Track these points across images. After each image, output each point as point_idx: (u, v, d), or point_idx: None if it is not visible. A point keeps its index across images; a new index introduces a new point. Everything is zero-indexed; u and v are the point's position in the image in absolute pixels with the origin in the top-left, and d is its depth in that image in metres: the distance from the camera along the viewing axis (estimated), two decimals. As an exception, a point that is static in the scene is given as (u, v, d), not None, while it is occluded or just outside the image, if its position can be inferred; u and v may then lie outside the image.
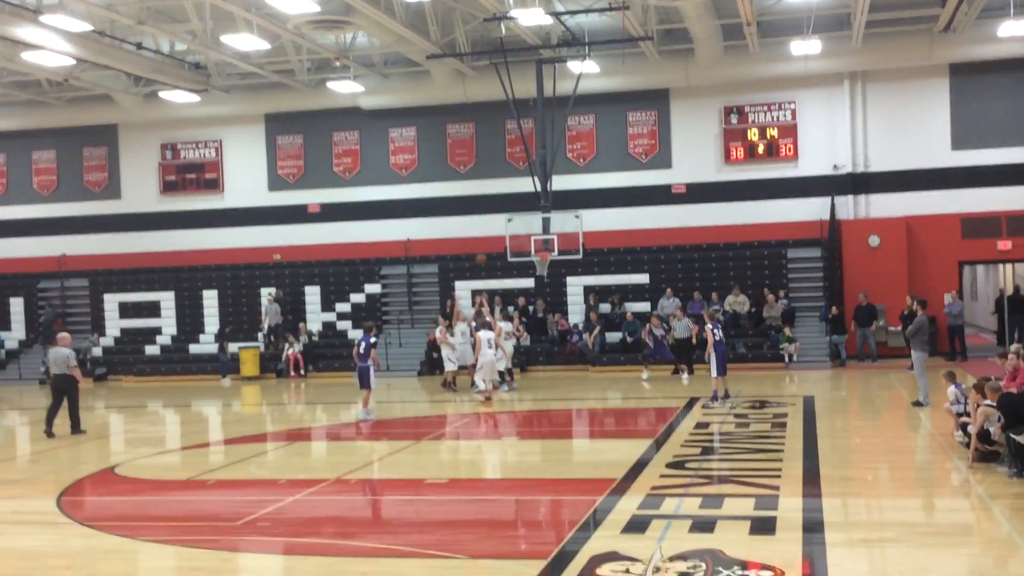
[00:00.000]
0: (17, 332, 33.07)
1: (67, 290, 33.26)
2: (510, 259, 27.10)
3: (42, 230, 33.49)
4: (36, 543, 10.71)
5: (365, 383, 19.00)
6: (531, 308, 29.77)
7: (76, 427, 18.54)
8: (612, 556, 8.98)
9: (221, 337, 30.39)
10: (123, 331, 32.60)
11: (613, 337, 28.38)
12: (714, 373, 19.41)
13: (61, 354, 18.64)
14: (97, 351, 31.73)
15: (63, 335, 19.32)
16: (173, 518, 11.91)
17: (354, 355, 19.67)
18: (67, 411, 18.49)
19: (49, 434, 18.16)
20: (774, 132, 29.31)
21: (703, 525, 10.04)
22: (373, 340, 19.82)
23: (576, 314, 29.81)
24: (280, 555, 10.08)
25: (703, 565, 8.58)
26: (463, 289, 30.82)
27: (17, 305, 33.33)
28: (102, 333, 32.45)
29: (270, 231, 32.21)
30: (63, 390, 18.49)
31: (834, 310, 27.05)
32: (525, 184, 28.12)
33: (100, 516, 11.66)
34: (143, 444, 18.38)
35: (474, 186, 30.93)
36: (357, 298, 31.32)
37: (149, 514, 12.04)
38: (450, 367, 24.07)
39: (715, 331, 19.46)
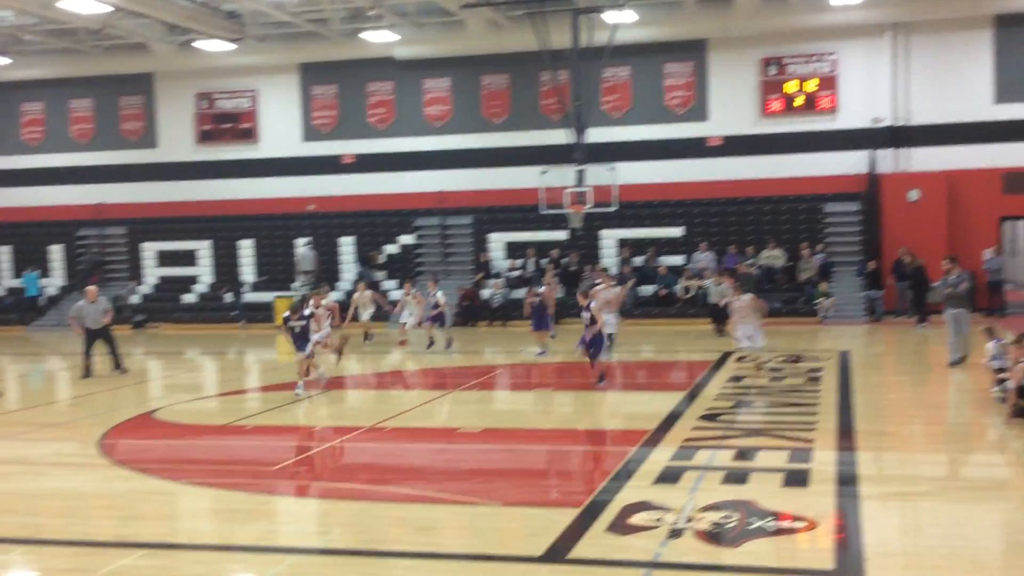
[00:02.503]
0: (57, 279, 33.48)
1: (105, 238, 33.58)
2: (544, 211, 27.04)
3: (80, 178, 33.76)
4: (78, 484, 10.92)
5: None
6: (564, 261, 29.72)
7: (119, 366, 19.36)
8: (645, 506, 9.03)
9: (235, 285, 30.84)
10: (161, 279, 32.93)
11: (647, 290, 28.32)
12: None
13: (96, 309, 19.19)
14: (135, 298, 32.09)
15: (91, 289, 19.65)
16: (211, 462, 12.11)
17: (527, 305, 22.03)
18: (107, 355, 19.30)
19: (87, 376, 18.79)
20: (813, 84, 28.88)
21: (736, 477, 10.07)
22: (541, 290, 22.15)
23: (610, 267, 29.71)
24: (315, 499, 10.23)
25: (736, 516, 8.62)
26: (497, 242, 30.84)
27: (57, 252, 33.71)
28: (140, 281, 32.80)
29: (304, 181, 32.27)
30: (98, 337, 19.18)
31: (871, 265, 26.80)
32: (559, 136, 27.95)
33: (140, 459, 11.86)
34: (181, 390, 18.63)
35: (508, 138, 30.78)
36: (391, 249, 31.40)
37: (187, 458, 12.24)
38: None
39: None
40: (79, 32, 30.67)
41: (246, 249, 32.38)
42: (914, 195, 27.62)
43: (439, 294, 22.96)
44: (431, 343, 22.65)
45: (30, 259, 33.43)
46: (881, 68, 28.30)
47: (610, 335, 19.14)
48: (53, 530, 9.17)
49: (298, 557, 8.17)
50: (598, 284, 22.12)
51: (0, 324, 31.55)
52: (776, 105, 29.14)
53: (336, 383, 18.20)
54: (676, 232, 29.65)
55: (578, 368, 19.75)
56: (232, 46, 30.07)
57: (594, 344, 16.41)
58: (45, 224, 33.84)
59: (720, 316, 23.71)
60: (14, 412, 16.03)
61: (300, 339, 16.63)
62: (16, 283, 33.21)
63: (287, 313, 16.73)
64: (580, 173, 26.55)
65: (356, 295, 24.67)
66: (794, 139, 28.93)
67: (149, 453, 12.46)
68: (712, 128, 29.69)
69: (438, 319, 22.78)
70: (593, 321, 16.27)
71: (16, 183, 34.08)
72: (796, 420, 13.04)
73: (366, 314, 24.11)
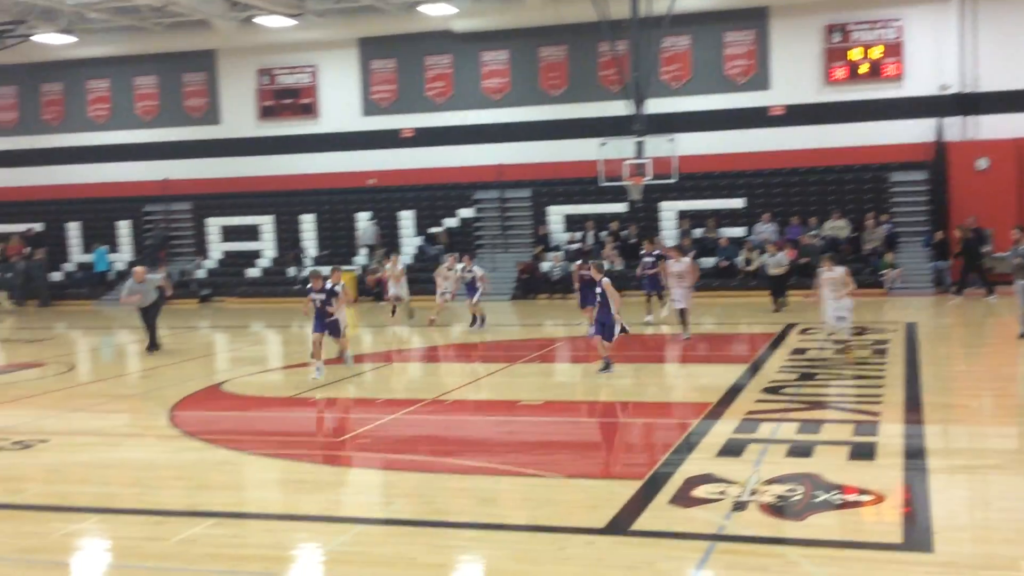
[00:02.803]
0: (125, 254, 34.14)
1: (171, 214, 34.16)
2: (603, 184, 26.91)
3: (146, 155, 34.30)
4: (150, 455, 11.18)
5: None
6: (624, 233, 29.59)
7: (153, 344, 19.45)
8: (708, 478, 9.01)
9: (295, 259, 31.18)
10: (225, 254, 33.43)
11: (707, 262, 28.09)
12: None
13: (143, 288, 19.28)
14: (201, 273, 32.63)
15: (137, 269, 19.81)
16: (278, 433, 12.32)
17: (575, 278, 20.62)
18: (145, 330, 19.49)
19: (153, 349, 19.21)
20: (878, 51, 28.30)
21: (800, 450, 9.99)
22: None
23: (669, 239, 29.52)
24: (380, 470, 10.36)
25: (801, 489, 8.56)
26: (556, 214, 30.79)
27: (124, 228, 34.37)
28: (205, 255, 33.33)
29: (364, 156, 32.45)
30: (148, 310, 19.40)
31: (939, 235, 26.28)
32: (618, 108, 27.76)
33: (209, 430, 12.10)
34: (247, 362, 18.94)
35: (566, 110, 30.63)
36: (450, 222, 31.50)
37: (255, 429, 12.46)
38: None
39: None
40: (142, 10, 31.08)
41: (308, 224, 32.72)
42: (982, 163, 27.01)
43: (476, 268, 22.37)
44: (475, 321, 21.71)
45: (99, 234, 34.14)
46: (948, 34, 27.62)
47: (682, 311, 18.73)
48: (126, 499, 9.41)
49: (363, 527, 8.29)
50: (647, 257, 21.67)
51: (71, 298, 32.31)
52: (840, 73, 28.62)
53: (398, 356, 18.37)
54: (737, 203, 29.35)
55: (638, 340, 19.70)
56: (292, 22, 30.27)
57: (603, 325, 14.93)
58: (113, 200, 34.49)
59: (779, 288, 23.52)
60: (87, 384, 16.44)
61: (319, 315, 15.87)
62: (86, 258, 33.94)
63: (309, 284, 16.11)
64: (639, 145, 26.35)
65: (388, 267, 24.14)
66: (859, 107, 28.40)
67: (217, 424, 12.69)
68: (774, 97, 29.26)
69: (473, 294, 21.90)
70: (605, 300, 14.82)
71: (84, 160, 34.73)
72: (862, 393, 12.89)
73: (397, 289, 23.49)
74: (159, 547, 7.86)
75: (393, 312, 23.76)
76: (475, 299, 21.75)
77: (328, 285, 16.03)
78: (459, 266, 22.67)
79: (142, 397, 15.07)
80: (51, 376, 17.34)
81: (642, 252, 22.61)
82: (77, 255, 34.47)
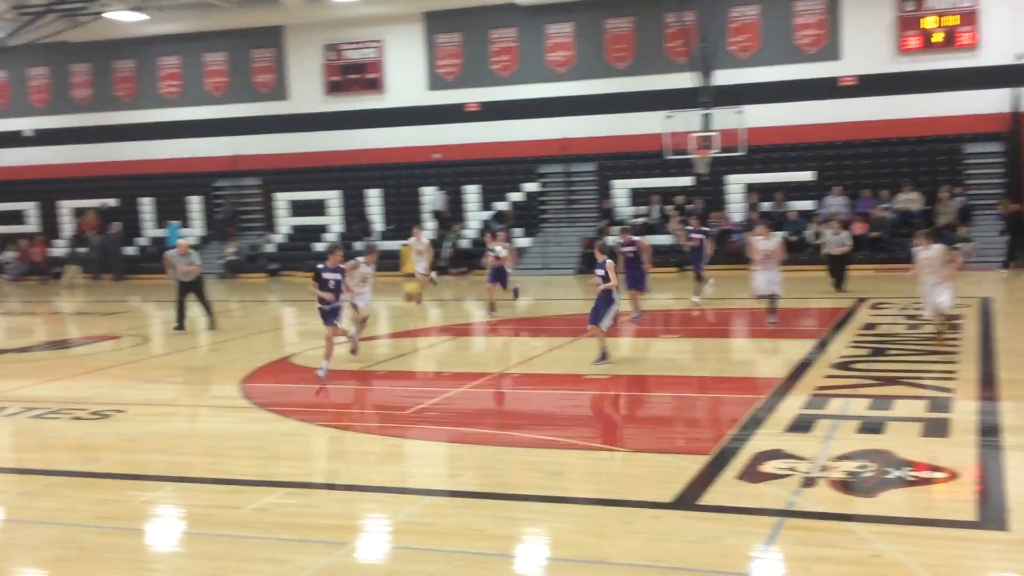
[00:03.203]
0: (197, 229, 34.75)
1: (241, 189, 34.65)
2: (669, 157, 26.68)
3: (215, 131, 34.78)
4: (222, 425, 11.41)
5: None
6: (689, 207, 29.33)
7: (211, 322, 19.25)
8: (777, 454, 8.93)
9: (363, 231, 31.47)
10: (293, 228, 33.84)
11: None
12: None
13: (184, 262, 19.03)
14: (270, 247, 33.08)
15: (181, 242, 19.56)
16: (346, 405, 12.48)
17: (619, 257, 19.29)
18: (191, 306, 19.37)
19: (179, 328, 18.97)
20: (953, 20, 27.56)
21: (872, 426, 9.85)
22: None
23: (736, 213, 29.23)
24: (446, 443, 10.44)
25: (872, 465, 8.45)
26: (621, 188, 30.61)
27: (195, 203, 34.96)
28: (274, 230, 33.78)
29: (429, 130, 32.55)
30: (189, 290, 19.22)
31: (1015, 208, 25.58)
32: (685, 80, 27.45)
33: (279, 402, 12.29)
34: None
35: (632, 83, 30.36)
36: (515, 197, 31.50)
37: (323, 401, 12.63)
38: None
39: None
40: (211, -14, 31.45)
41: (374, 198, 32.96)
42: (1061, 134, 26.23)
43: (499, 248, 20.34)
44: (492, 308, 19.87)
45: (171, 210, 34.77)
46: (1027, 0, 26.81)
47: (772, 296, 16.69)
48: (199, 469, 9.62)
49: (431, 499, 8.38)
50: (694, 234, 20.17)
51: (144, 272, 32.97)
52: (913, 42, 27.95)
53: (463, 330, 18.45)
54: (807, 176, 28.91)
55: (704, 315, 19.55)
56: (358, -3, 30.38)
57: (596, 311, 13.81)
58: (184, 176, 35.08)
59: (838, 268, 21.78)
60: (160, 356, 16.80)
61: (335, 293, 13.84)
62: (159, 233, 34.60)
63: (321, 265, 13.98)
64: (706, 117, 26.07)
65: (412, 241, 22.58)
66: (932, 77, 27.74)
67: (287, 396, 12.89)
68: (845, 67, 28.70)
69: (499, 276, 19.97)
70: (606, 281, 13.67)
71: (156, 136, 35.33)
72: (935, 369, 12.66)
73: (422, 265, 21.99)
74: (233, 515, 8.03)
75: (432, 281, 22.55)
76: (506, 282, 20.01)
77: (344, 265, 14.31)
78: (498, 246, 20.25)
79: (213, 369, 15.37)
80: (126, 348, 17.77)
81: (688, 228, 21.64)
82: (150, 230, 35.15)
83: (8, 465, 10.48)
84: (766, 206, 28.61)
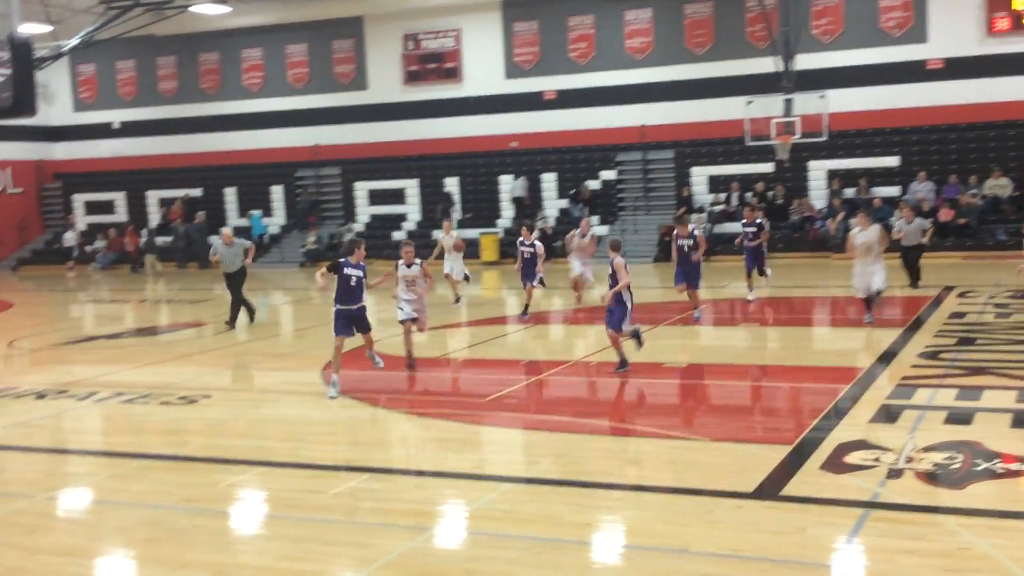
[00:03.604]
0: (278, 218, 35.32)
1: (321, 178, 35.11)
2: (749, 143, 26.32)
3: (297, 121, 35.27)
4: (304, 411, 11.59)
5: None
6: (770, 194, 28.91)
7: (233, 321, 18.40)
8: (861, 445, 8.78)
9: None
10: (372, 217, 34.19)
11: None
12: None
13: (230, 252, 18.13)
14: (350, 236, 33.41)
15: (226, 231, 18.61)
16: (425, 392, 12.59)
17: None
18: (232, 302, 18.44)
19: (231, 326, 18.27)
20: (1048, -2, 26.69)
21: (959, 417, 9.63)
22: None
23: (818, 200, 28.73)
24: (525, 430, 10.48)
25: (960, 457, 8.26)
26: (700, 175, 30.30)
27: (277, 192, 35.53)
28: (353, 219, 34.17)
29: (507, 119, 32.58)
30: (233, 277, 18.35)
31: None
32: (765, 65, 27.03)
33: (358, 388, 12.44)
34: (394, 323, 19.33)
35: (712, 68, 30.00)
36: (592, 185, 31.37)
37: (402, 388, 12.76)
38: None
39: None
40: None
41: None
42: None
43: (537, 243, 18.39)
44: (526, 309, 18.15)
45: (253, 199, 35.39)
46: None
47: (879, 292, 15.10)
48: (283, 453, 9.79)
49: (510, 485, 8.41)
50: (747, 227, 18.58)
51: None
52: (1003, 23, 27.13)
53: (540, 317, 18.46)
54: (891, 162, 28.29)
55: (785, 303, 19.27)
56: (436, -14, 30.50)
57: (611, 312, 12.47)
58: (266, 166, 35.66)
59: (913, 261, 19.89)
60: (245, 343, 17.12)
61: (351, 297, 12.10)
62: (242, 222, 35.23)
63: (342, 259, 12.31)
64: (788, 102, 25.66)
65: (441, 235, 20.50)
66: (1022, 59, 26.88)
67: (368, 383, 13.03)
68: (931, 50, 27.98)
69: (529, 272, 18.12)
70: (614, 280, 12.36)
71: (239, 127, 35.98)
72: (1025, 359, 12.31)
73: (452, 265, 19.91)
74: (317, 499, 8.17)
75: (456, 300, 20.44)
76: (535, 281, 18.14)
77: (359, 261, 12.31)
78: (535, 241, 18.41)
79: (296, 355, 15.62)
80: (211, 335, 18.15)
81: (743, 221, 19.51)
82: (234, 219, 35.82)
83: (100, 448, 10.81)
84: (849, 192, 28.06)
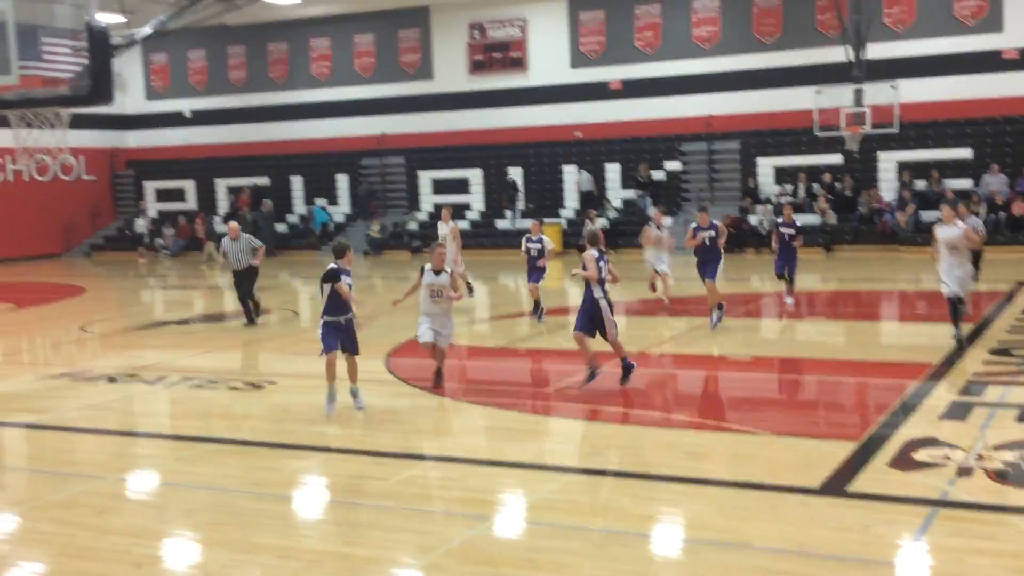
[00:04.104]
0: (343, 206, 35.63)
1: (386, 167, 35.34)
2: (818, 134, 25.93)
3: (363, 110, 35.52)
4: (368, 399, 11.64)
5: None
6: (838, 185, 28.46)
7: (249, 318, 17.60)
8: (930, 442, 8.62)
9: (508, 201, 31.46)
10: (436, 206, 34.30)
11: (929, 216, 26.64)
12: None
13: (238, 248, 17.28)
14: (414, 225, 33.66)
15: (232, 225, 17.75)
16: (487, 382, 12.63)
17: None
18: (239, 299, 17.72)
19: (249, 323, 17.52)
20: None
21: (1032, 415, 9.41)
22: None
23: (887, 191, 28.21)
24: (587, 421, 10.45)
25: (1032, 457, 8.07)
26: (766, 166, 29.93)
27: (343, 181, 35.84)
28: (417, 208, 34.35)
29: (572, 109, 32.47)
30: (241, 275, 17.54)
31: None
32: (835, 54, 26.59)
33: (422, 377, 12.51)
34: (457, 312, 19.36)
35: (780, 57, 29.58)
36: (657, 175, 31.15)
37: (466, 377, 12.83)
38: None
39: None
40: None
41: (515, 177, 33.11)
42: None
43: (545, 239, 17.01)
44: (537, 308, 16.74)
45: (319, 188, 35.75)
46: None
47: (958, 298, 13.05)
48: (347, 440, 9.90)
49: (572, 476, 8.41)
50: (784, 228, 16.95)
51: (295, 248, 34.01)
52: (1084, 11, 26.35)
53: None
54: (964, 153, 27.65)
55: (853, 298, 18.96)
56: (502, -24, 30.47)
57: (586, 313, 11.14)
58: (331, 155, 35.98)
59: (973, 258, 16.19)
60: (309, 330, 17.30)
61: (339, 310, 10.86)
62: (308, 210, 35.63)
63: (333, 264, 10.96)
64: (858, 92, 25.21)
65: (440, 227, 19.80)
66: (1103, 49, 26.14)
67: (430, 372, 13.12)
68: (1007, 39, 27.27)
69: (539, 274, 16.85)
70: (589, 286, 11.09)
71: (307, 116, 36.34)
72: (1103, 357, 11.98)
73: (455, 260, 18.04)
74: (380, 486, 8.24)
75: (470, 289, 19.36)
76: (540, 279, 16.86)
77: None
78: (542, 236, 17.04)
79: (360, 343, 15.70)
80: (277, 322, 18.38)
81: (779, 220, 17.65)
82: (300, 207, 36.21)
83: (168, 432, 11.03)
84: (920, 185, 27.52)
